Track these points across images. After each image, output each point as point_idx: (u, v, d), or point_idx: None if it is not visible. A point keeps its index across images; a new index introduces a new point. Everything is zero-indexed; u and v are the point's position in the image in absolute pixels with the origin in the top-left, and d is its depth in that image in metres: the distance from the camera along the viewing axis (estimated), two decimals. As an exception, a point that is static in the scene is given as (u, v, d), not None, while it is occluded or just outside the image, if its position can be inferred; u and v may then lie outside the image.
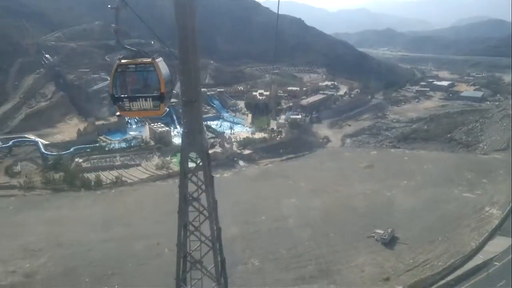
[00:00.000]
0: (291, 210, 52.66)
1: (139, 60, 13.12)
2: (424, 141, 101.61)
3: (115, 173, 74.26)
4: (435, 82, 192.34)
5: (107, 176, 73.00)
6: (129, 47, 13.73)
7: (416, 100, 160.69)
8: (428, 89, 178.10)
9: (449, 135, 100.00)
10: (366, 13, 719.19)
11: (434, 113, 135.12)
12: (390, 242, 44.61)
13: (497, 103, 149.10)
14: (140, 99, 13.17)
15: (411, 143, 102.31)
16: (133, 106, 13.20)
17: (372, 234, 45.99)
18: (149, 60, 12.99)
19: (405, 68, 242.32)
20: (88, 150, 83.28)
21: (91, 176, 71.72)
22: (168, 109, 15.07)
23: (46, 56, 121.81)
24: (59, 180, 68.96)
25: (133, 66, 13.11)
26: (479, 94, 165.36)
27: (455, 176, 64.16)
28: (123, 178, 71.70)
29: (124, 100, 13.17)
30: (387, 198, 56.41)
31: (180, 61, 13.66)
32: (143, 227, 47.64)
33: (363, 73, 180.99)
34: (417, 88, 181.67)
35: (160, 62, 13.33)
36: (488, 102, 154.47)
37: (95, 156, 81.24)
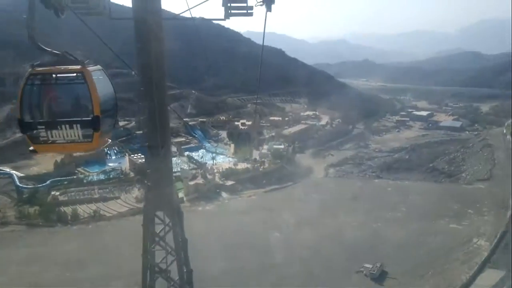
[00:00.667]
0: (276, 244, 51.09)
1: (63, 67, 8.58)
2: (406, 171, 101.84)
3: (93, 206, 71.69)
4: (414, 112, 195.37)
5: (84, 209, 70.31)
6: (50, 49, 9.00)
7: (396, 130, 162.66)
8: (408, 119, 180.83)
9: (431, 165, 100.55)
10: (346, 45, 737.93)
11: (415, 143, 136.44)
12: (379, 277, 43.54)
13: (475, 132, 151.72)
14: (63, 126, 8.39)
15: (394, 173, 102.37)
16: (52, 136, 8.41)
17: (361, 269, 44.84)
18: (78, 67, 8.55)
19: (385, 98, 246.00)
20: (66, 182, 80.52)
21: (68, 210, 68.94)
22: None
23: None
24: (34, 214, 66.00)
25: (53, 76, 8.57)
26: (458, 124, 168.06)
27: (440, 207, 63.94)
28: (102, 212, 69.12)
29: (39, 127, 8.47)
30: (373, 230, 55.58)
31: (142, 96, 11.11)
32: (120, 265, 45.23)
33: (344, 103, 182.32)
34: (397, 118, 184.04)
35: (96, 71, 9.06)
36: (467, 132, 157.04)
37: (72, 189, 78.42)
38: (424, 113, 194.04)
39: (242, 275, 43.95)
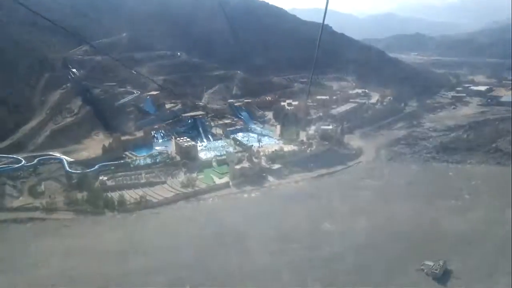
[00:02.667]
0: (326, 236, 48.12)
1: None
2: (465, 151, 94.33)
3: (140, 191, 71.54)
4: (471, 87, 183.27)
5: (131, 195, 70.25)
6: None
7: (452, 107, 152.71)
8: (464, 94, 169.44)
9: (493, 145, 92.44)
10: (395, 18, 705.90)
11: (474, 120, 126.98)
12: (442, 277, 39.35)
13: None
14: None
15: (451, 153, 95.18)
16: None
17: (421, 267, 40.83)
18: None
19: (439, 73, 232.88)
20: (113, 167, 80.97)
21: (115, 195, 69.10)
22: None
23: (73, 70, 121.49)
24: (82, 200, 66.53)
25: None
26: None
27: (508, 194, 57.84)
28: (148, 197, 68.70)
29: None
30: (434, 221, 50.96)
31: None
32: (163, 258, 43.98)
33: (395, 79, 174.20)
34: (452, 94, 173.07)
35: None
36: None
37: (120, 174, 78.76)
38: (482, 88, 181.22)
39: (290, 271, 41.25)
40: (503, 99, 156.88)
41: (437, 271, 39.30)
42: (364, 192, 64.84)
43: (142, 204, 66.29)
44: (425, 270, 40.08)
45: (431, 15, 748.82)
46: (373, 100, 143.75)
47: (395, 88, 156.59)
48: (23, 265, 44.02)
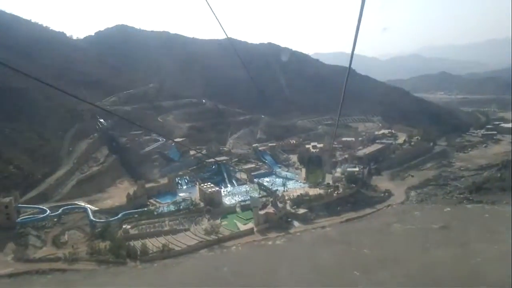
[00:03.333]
0: (356, 286, 44.89)
1: None
2: (500, 191, 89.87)
3: (162, 239, 70.15)
4: (502, 125, 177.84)
5: (154, 243, 68.92)
6: None
7: (483, 145, 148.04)
8: (495, 132, 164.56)
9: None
10: (419, 59, 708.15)
11: (506, 159, 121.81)
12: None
13: None
14: None
15: (485, 194, 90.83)
16: None
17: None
18: None
19: (467, 111, 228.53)
20: (137, 215, 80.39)
21: (138, 244, 67.89)
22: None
23: (101, 120, 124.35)
24: (105, 250, 65.53)
25: None
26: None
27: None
28: (171, 245, 67.21)
29: None
30: (473, 267, 47.15)
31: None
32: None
33: (422, 119, 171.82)
34: (482, 132, 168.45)
35: None
36: None
37: (143, 222, 77.93)
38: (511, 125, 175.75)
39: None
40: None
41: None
42: (395, 237, 61.47)
43: (165, 253, 64.78)
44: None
45: (456, 54, 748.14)
46: (400, 140, 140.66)
47: (422, 128, 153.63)
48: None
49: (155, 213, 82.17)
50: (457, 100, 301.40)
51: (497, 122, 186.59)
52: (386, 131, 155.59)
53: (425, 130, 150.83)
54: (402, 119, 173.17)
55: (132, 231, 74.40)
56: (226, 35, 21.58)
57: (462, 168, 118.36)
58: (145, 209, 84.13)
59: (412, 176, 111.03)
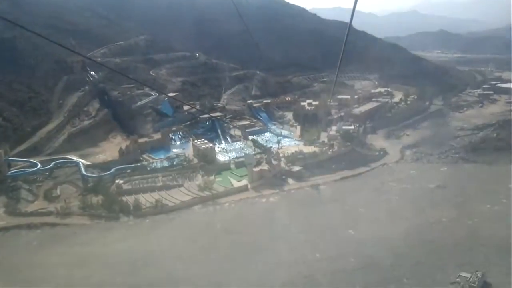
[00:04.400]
0: (350, 245, 44.67)
1: None
2: (497, 151, 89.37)
3: (156, 195, 69.61)
4: (499, 84, 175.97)
5: (147, 198, 68.50)
6: None
7: (479, 105, 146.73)
8: (492, 92, 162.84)
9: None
10: (417, 15, 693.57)
11: (503, 119, 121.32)
12: (480, 290, 35.72)
13: None
14: None
15: (481, 154, 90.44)
16: None
17: (457, 279, 37.22)
18: None
19: (464, 70, 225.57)
20: (129, 170, 79.45)
21: (131, 199, 67.36)
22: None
23: (91, 73, 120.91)
24: (97, 205, 65.07)
25: None
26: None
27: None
28: (164, 201, 66.75)
29: None
30: (469, 228, 47.02)
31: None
32: (175, 268, 41.42)
33: (419, 77, 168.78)
34: (479, 91, 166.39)
35: None
36: None
37: (136, 177, 77.15)
38: (510, 85, 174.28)
39: (312, 286, 38.06)
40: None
41: (474, 284, 35.73)
42: (391, 196, 61.13)
43: (158, 209, 64.38)
44: (461, 283, 36.46)
45: (455, 12, 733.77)
46: (397, 99, 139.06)
47: (419, 87, 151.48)
48: (27, 277, 42.10)
49: (148, 168, 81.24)
50: (454, 59, 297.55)
51: (494, 82, 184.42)
52: (382, 90, 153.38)
53: (421, 89, 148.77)
54: (399, 77, 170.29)
55: (125, 186, 73.77)
56: None
57: (458, 128, 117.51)
58: (138, 164, 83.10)
59: (408, 135, 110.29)
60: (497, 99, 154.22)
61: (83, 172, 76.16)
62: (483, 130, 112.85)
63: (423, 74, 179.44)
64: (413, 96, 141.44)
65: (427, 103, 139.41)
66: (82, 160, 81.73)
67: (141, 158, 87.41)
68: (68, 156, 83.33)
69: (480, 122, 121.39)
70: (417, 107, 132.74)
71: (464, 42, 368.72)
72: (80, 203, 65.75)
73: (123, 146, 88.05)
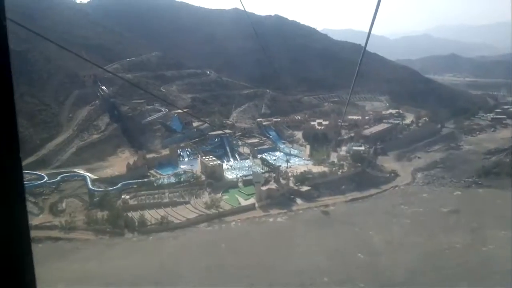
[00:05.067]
0: (360, 269, 42.89)
1: None
2: (510, 176, 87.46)
3: (162, 211, 68.60)
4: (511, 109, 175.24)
5: (153, 215, 67.38)
6: None
7: (492, 129, 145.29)
8: (504, 116, 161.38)
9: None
10: (429, 39, 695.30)
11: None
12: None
13: None
14: None
15: (494, 178, 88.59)
16: None
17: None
18: None
19: (476, 94, 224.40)
20: (136, 186, 78.68)
21: (136, 215, 66.41)
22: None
23: (102, 87, 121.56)
24: (102, 220, 64.10)
25: None
26: None
27: None
28: (170, 218, 65.68)
29: None
30: (483, 255, 45.03)
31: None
32: (175, 288, 40.04)
33: (430, 100, 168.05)
34: (492, 115, 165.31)
35: None
36: None
37: (143, 193, 76.32)
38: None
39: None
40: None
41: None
42: (402, 219, 59.25)
43: (163, 225, 63.27)
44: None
45: (466, 36, 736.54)
46: (408, 121, 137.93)
47: (430, 109, 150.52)
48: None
49: (155, 184, 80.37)
50: (466, 83, 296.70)
51: (507, 107, 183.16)
52: (393, 111, 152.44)
53: (433, 112, 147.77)
54: (410, 99, 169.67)
55: (131, 202, 72.82)
56: (243, 6, 19.51)
57: (470, 152, 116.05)
58: (145, 180, 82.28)
59: (419, 157, 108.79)
60: (509, 123, 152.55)
61: (90, 186, 75.47)
62: (495, 155, 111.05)
63: (435, 97, 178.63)
64: (424, 118, 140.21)
65: (439, 125, 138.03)
66: (89, 174, 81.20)
67: (149, 174, 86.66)
68: (75, 170, 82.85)
69: (493, 146, 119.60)
70: (428, 130, 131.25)
71: (476, 66, 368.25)
72: (85, 218, 64.89)
73: (131, 161, 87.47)
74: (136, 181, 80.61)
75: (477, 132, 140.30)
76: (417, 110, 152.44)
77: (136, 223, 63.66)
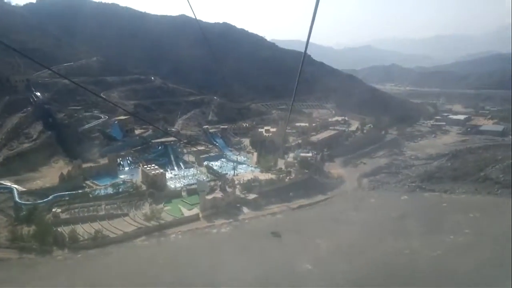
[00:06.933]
0: (308, 281, 40.40)
1: None
2: (452, 180, 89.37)
3: (96, 225, 63.15)
4: (450, 116, 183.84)
5: (86, 229, 61.80)
6: None
7: (433, 135, 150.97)
8: (444, 123, 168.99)
9: (482, 174, 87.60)
10: (372, 51, 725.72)
11: (455, 149, 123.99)
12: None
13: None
14: None
15: (437, 182, 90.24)
16: None
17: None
18: None
19: (417, 102, 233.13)
20: (69, 198, 72.33)
21: (68, 230, 60.52)
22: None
23: (36, 93, 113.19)
24: (29, 236, 57.79)
25: None
26: (499, 128, 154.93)
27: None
28: (105, 232, 60.43)
29: None
30: (433, 260, 43.89)
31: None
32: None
33: (374, 108, 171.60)
34: (432, 122, 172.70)
35: None
36: (510, 136, 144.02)
37: (76, 205, 70.06)
38: (461, 117, 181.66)
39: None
40: (482, 128, 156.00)
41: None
42: (350, 226, 57.62)
43: (97, 241, 57.95)
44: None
45: (406, 48, 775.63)
46: (353, 128, 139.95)
47: (374, 116, 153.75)
48: None
49: (91, 196, 74.36)
50: (406, 92, 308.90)
51: (446, 114, 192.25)
52: (339, 118, 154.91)
53: (377, 119, 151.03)
54: (355, 107, 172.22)
55: (63, 215, 66.71)
56: (193, 12, 17.61)
57: (412, 157, 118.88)
58: (80, 191, 76.05)
59: (364, 163, 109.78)
60: (448, 130, 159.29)
61: (17, 199, 68.53)
62: (437, 160, 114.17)
63: (379, 105, 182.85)
64: (369, 125, 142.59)
65: (383, 132, 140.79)
66: (17, 186, 73.93)
67: (84, 185, 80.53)
68: (1, 182, 75.28)
69: (434, 152, 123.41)
70: (373, 136, 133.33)
71: (415, 76, 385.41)
72: (9, 234, 58.17)
73: (65, 172, 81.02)
74: (70, 192, 74.28)
75: (419, 138, 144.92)
76: (362, 117, 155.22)
77: (67, 239, 57.95)
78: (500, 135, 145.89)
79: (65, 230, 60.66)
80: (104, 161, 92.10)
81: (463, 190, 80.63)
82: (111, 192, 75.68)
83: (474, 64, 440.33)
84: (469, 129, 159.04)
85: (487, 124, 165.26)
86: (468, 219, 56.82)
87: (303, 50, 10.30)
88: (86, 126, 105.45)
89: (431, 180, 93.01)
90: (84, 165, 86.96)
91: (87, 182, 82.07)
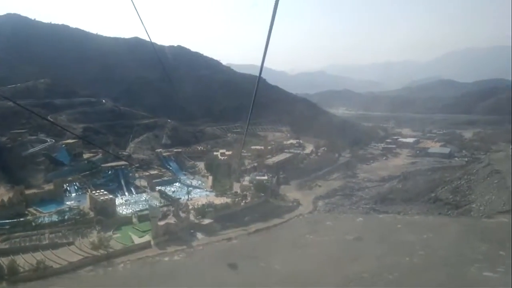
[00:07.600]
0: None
1: None
2: (404, 202, 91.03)
3: (39, 255, 58.61)
4: (400, 139, 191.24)
5: (28, 260, 57.11)
6: None
7: (384, 158, 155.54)
8: (394, 146, 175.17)
9: (433, 195, 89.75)
10: (325, 76, 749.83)
11: (406, 171, 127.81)
12: None
13: (466, 159, 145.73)
14: None
15: (390, 204, 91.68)
16: None
17: None
18: None
19: (368, 126, 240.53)
20: (9, 226, 67.19)
21: (7, 261, 55.70)
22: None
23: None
24: (-41, 269, 52.68)
25: None
26: (446, 150, 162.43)
27: (465, 248, 52.23)
28: (48, 262, 56.00)
29: None
30: (392, 283, 43.29)
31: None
32: None
33: (328, 131, 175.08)
34: (383, 145, 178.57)
35: None
36: (456, 158, 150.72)
37: (17, 234, 65.00)
38: (410, 140, 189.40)
39: None
40: (430, 150, 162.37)
41: None
42: (308, 250, 56.44)
43: (39, 272, 53.58)
44: None
45: (358, 74, 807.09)
46: (308, 151, 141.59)
47: (328, 139, 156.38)
48: None
49: (34, 224, 69.41)
50: (358, 116, 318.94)
51: (396, 137, 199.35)
52: (294, 141, 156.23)
53: (330, 142, 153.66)
54: (309, 130, 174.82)
55: (2, 245, 61.64)
56: (148, 35, 16.81)
57: (365, 179, 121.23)
58: (22, 219, 70.91)
59: (320, 186, 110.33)
60: (399, 152, 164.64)
61: None
62: (389, 182, 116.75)
63: (332, 128, 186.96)
64: (323, 148, 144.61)
65: (336, 155, 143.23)
66: (-51, 215, 68.14)
67: (27, 212, 75.35)
68: None
69: (386, 174, 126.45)
70: (327, 159, 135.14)
71: (366, 100, 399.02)
72: None
73: (6, 198, 75.67)
74: (10, 221, 69.12)
75: (371, 161, 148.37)
76: (316, 140, 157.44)
77: (6, 271, 53.24)
78: (447, 157, 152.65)
79: (3, 261, 55.80)
80: (49, 187, 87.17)
81: (416, 211, 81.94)
82: (56, 220, 71.03)
83: (420, 89, 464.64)
84: (418, 151, 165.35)
85: (435, 147, 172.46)
86: (421, 240, 57.26)
87: (257, 74, 10.38)
88: (31, 150, 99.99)
89: (385, 201, 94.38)
90: (27, 191, 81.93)
91: (30, 209, 76.98)
